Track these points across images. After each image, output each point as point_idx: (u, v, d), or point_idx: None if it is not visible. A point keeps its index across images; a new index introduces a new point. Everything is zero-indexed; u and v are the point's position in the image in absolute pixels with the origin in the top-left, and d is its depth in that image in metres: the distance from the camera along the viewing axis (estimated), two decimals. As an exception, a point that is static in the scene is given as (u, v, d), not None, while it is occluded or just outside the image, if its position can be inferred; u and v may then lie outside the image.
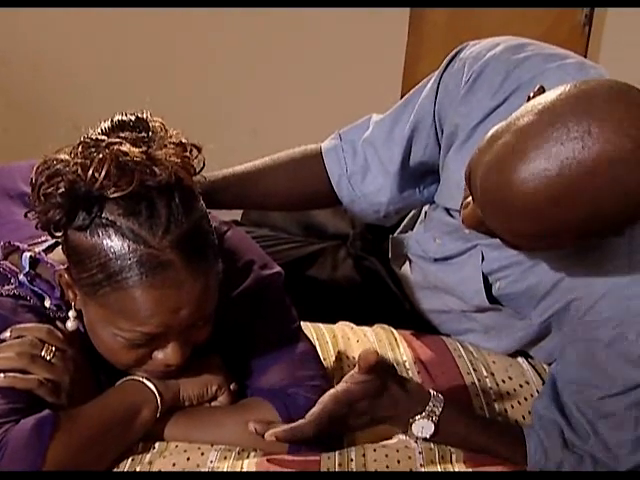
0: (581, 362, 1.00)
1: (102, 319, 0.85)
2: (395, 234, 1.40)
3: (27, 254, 0.93)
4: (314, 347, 1.07)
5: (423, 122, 1.16)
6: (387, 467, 0.91)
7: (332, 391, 0.94)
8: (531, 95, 0.89)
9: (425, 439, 0.97)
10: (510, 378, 1.15)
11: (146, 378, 0.92)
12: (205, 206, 0.87)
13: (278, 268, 1.06)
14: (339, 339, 1.23)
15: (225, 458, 0.91)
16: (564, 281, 1.03)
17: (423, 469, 0.92)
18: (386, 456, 0.93)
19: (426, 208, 1.32)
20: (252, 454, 0.93)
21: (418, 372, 1.15)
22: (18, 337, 0.87)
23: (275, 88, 2.95)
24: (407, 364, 1.17)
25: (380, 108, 1.26)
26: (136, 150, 0.79)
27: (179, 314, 0.83)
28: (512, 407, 1.11)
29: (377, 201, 1.24)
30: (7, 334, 0.87)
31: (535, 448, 0.99)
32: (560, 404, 1.01)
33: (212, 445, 0.93)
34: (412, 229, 1.38)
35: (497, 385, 1.14)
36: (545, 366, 1.19)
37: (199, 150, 0.87)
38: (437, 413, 0.97)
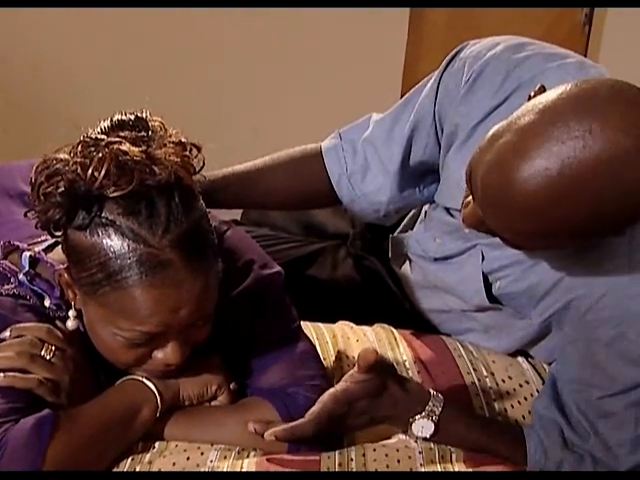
0: (581, 362, 1.00)
1: (102, 318, 0.85)
2: (395, 234, 1.40)
3: (27, 253, 0.93)
4: (314, 347, 1.07)
5: (423, 121, 1.16)
6: (387, 467, 0.91)
7: (332, 390, 0.94)
8: (532, 94, 0.88)
9: (425, 439, 0.97)
10: (510, 378, 1.15)
11: (146, 377, 0.92)
12: (205, 205, 0.87)
13: (278, 268, 1.05)
14: (339, 339, 1.23)
15: (225, 458, 0.91)
16: (564, 280, 1.03)
17: (423, 469, 0.92)
18: (386, 456, 0.93)
19: (426, 207, 1.32)
20: (252, 454, 0.92)
21: (418, 372, 1.15)
22: (18, 336, 0.87)
23: (275, 88, 2.95)
24: (407, 364, 1.17)
25: (380, 108, 1.26)
26: (136, 149, 0.79)
27: (179, 313, 0.83)
28: (512, 407, 1.10)
29: (377, 200, 1.24)
30: (7, 333, 0.87)
31: (535, 448, 0.99)
32: (560, 404, 1.01)
33: (212, 445, 0.93)
34: (412, 229, 1.38)
35: (497, 385, 1.14)
36: (545, 366, 1.18)
37: (199, 149, 0.87)
38: (437, 413, 0.97)
